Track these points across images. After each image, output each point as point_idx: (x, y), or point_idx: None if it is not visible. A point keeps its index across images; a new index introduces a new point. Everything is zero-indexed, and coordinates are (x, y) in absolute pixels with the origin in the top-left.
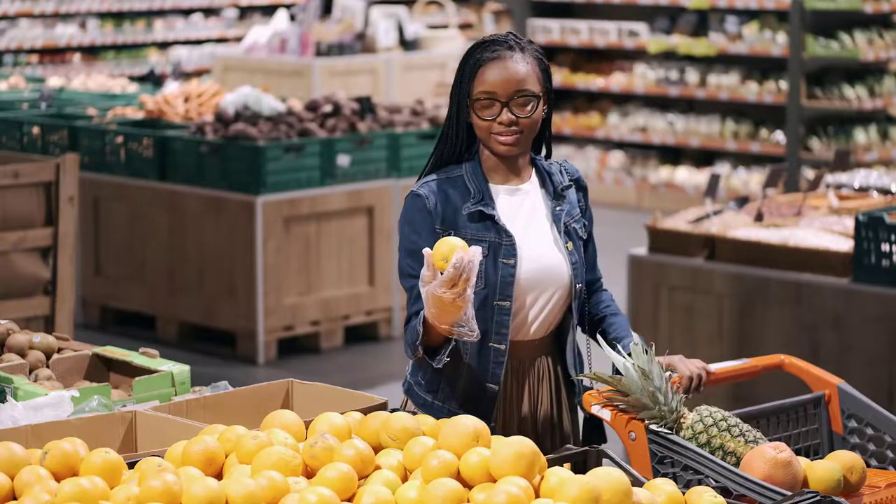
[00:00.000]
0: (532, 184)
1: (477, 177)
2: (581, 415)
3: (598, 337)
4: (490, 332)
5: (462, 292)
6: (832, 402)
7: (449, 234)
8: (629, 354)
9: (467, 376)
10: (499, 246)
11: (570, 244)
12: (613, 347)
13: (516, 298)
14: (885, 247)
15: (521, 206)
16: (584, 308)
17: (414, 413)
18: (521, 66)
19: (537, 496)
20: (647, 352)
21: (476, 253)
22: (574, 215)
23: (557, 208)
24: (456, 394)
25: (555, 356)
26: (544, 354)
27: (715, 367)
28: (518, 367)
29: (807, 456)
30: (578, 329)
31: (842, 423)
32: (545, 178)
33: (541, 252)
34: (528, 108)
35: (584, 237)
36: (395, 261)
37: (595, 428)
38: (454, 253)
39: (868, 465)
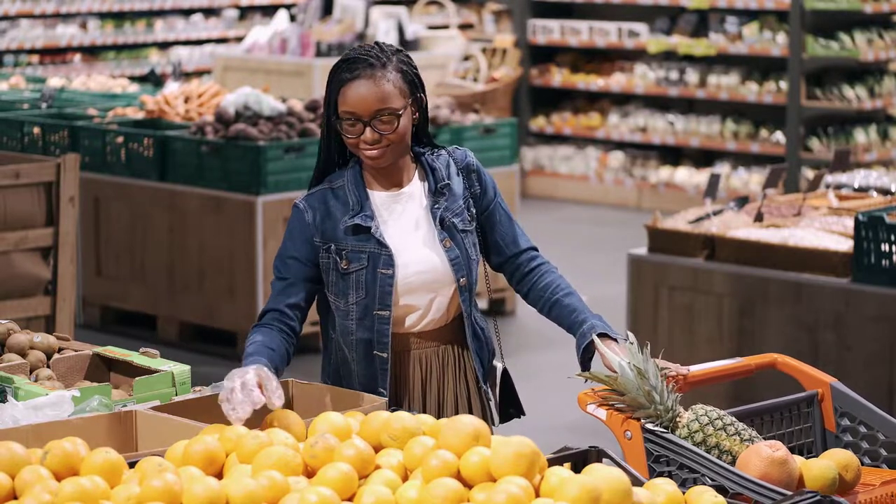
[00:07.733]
0: (414, 185)
1: (357, 186)
2: (498, 393)
3: (596, 340)
4: (373, 341)
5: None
6: (825, 401)
7: (328, 248)
8: (599, 336)
9: (358, 379)
10: (378, 256)
11: (447, 241)
12: (573, 332)
13: (399, 305)
14: (884, 247)
15: (402, 212)
16: (528, 286)
17: None
18: (381, 84)
19: (537, 496)
20: (642, 351)
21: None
22: (454, 209)
23: (435, 206)
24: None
25: (459, 343)
26: (448, 342)
27: (707, 365)
28: (421, 356)
29: (800, 454)
30: (478, 313)
31: (835, 421)
32: (427, 175)
33: (420, 257)
34: (392, 124)
35: (468, 228)
36: None
37: (511, 403)
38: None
39: (861, 464)
